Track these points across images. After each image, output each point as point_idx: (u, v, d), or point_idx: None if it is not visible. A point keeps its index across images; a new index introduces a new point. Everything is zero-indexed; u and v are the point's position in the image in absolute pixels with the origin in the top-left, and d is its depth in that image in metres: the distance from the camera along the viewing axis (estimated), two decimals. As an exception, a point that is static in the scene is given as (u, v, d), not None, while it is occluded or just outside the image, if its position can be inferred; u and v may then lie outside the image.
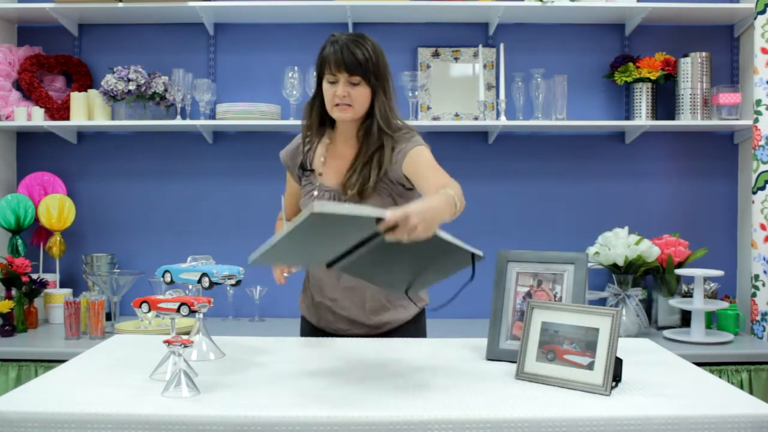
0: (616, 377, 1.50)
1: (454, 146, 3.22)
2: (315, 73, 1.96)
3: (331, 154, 2.01)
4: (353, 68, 1.87)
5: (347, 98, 1.89)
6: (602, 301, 2.96)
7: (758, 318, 2.84)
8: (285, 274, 1.91)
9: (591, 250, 2.95)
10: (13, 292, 2.86)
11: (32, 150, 3.26)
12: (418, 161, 1.87)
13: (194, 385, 1.41)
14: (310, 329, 2.13)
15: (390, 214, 1.36)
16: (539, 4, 2.99)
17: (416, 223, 1.37)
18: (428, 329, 2.16)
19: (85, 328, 2.74)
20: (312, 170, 2.02)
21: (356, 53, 1.87)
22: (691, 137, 3.25)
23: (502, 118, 3.03)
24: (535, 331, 1.58)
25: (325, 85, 1.92)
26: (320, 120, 2.00)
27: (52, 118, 3.12)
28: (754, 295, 2.85)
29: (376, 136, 1.92)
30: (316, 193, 1.98)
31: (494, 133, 3.15)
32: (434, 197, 1.56)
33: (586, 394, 1.44)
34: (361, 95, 1.90)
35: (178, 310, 1.66)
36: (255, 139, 3.23)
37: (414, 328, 2.09)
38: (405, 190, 1.95)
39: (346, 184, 1.93)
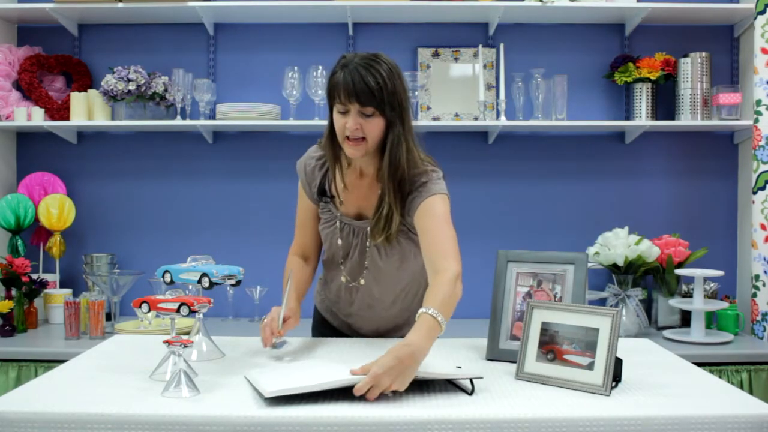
0: (616, 377, 1.50)
1: (454, 146, 3.22)
2: (328, 100, 1.76)
3: (349, 181, 1.86)
4: (365, 99, 1.66)
5: (359, 131, 1.69)
6: (602, 301, 2.96)
7: (758, 318, 2.84)
8: (275, 340, 1.74)
9: (591, 250, 2.95)
10: (13, 292, 2.86)
11: (32, 150, 3.26)
12: (427, 220, 1.73)
13: (194, 385, 1.41)
14: (322, 321, 2.11)
15: (359, 385, 1.35)
16: (539, 4, 2.99)
17: (388, 383, 1.36)
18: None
19: (85, 329, 2.74)
20: (331, 197, 1.88)
21: (368, 81, 1.65)
22: (691, 137, 3.24)
23: (502, 118, 3.03)
24: (535, 331, 1.58)
25: (336, 115, 1.72)
26: (337, 149, 1.81)
27: (52, 118, 3.12)
28: (754, 295, 2.85)
29: (394, 174, 1.74)
30: (338, 224, 1.87)
31: (494, 133, 3.15)
32: (414, 336, 1.46)
33: (586, 394, 1.44)
34: (375, 128, 1.70)
35: (178, 310, 1.66)
36: (255, 139, 3.23)
37: None
38: None
39: (373, 229, 1.80)
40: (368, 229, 1.82)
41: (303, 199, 1.96)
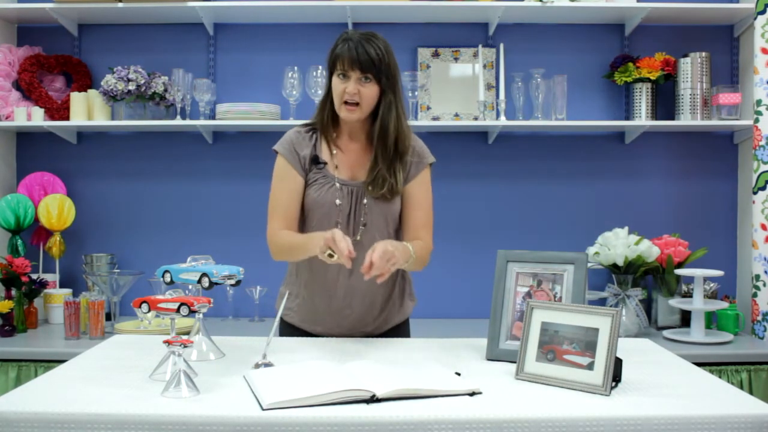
0: (616, 377, 1.50)
1: (454, 146, 3.22)
2: (326, 72, 1.97)
3: (339, 148, 2.01)
4: (366, 66, 1.88)
5: (356, 96, 1.89)
6: (602, 301, 2.96)
7: (759, 318, 2.84)
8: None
9: (591, 250, 2.95)
10: (13, 292, 2.86)
11: (32, 150, 3.26)
12: (420, 191, 1.99)
13: (194, 385, 1.41)
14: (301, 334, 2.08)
15: (378, 264, 1.67)
16: (539, 4, 2.99)
17: (392, 248, 1.72)
18: (429, 329, 2.17)
19: (85, 328, 2.74)
20: (324, 162, 1.99)
21: (369, 51, 1.88)
22: (691, 137, 3.24)
23: (502, 118, 3.03)
24: (535, 331, 1.58)
25: (335, 81, 1.92)
26: (331, 118, 1.99)
27: (52, 118, 3.12)
28: (755, 295, 2.85)
29: (383, 137, 1.94)
30: (338, 185, 1.96)
31: (494, 133, 3.15)
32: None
33: (586, 394, 1.44)
34: (370, 94, 1.91)
35: (178, 310, 1.66)
36: (255, 139, 3.23)
37: (406, 328, 2.13)
38: None
39: (372, 183, 1.94)
40: (367, 186, 1.95)
41: (288, 175, 1.99)
